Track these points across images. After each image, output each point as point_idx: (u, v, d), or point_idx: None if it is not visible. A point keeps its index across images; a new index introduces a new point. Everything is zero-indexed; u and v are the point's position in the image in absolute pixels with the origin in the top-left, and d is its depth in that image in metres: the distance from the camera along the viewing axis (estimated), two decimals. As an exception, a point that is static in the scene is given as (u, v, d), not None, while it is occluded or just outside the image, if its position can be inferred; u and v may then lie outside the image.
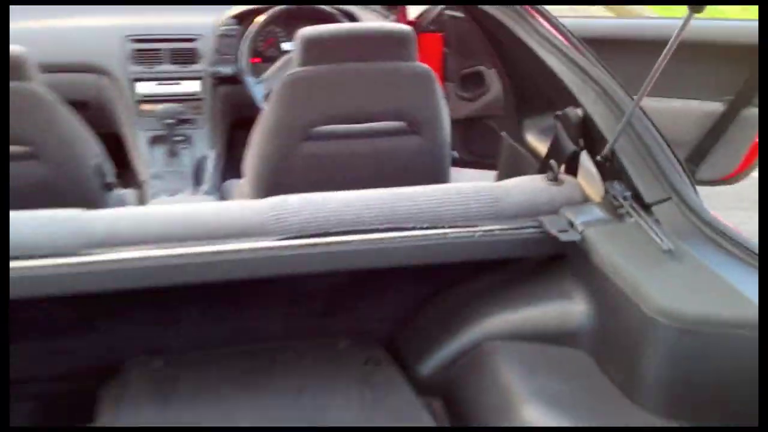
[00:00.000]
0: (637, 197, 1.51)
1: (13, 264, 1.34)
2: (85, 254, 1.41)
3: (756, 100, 2.43)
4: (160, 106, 2.76)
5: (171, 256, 1.42)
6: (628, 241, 1.43)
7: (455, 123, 2.40)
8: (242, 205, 1.57)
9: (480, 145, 2.72)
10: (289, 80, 1.88)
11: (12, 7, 2.58)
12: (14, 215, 1.43)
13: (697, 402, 1.28)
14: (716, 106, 2.52)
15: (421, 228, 1.51)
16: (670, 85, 2.12)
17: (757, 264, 1.32)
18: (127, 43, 2.76)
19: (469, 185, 1.64)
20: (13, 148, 1.78)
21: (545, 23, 1.86)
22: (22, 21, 2.58)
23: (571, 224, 1.50)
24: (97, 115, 2.39)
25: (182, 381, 1.60)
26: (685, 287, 1.29)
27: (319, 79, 1.89)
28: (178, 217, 1.50)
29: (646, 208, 1.50)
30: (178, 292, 1.48)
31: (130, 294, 1.44)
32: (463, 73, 2.69)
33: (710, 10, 1.36)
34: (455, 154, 2.57)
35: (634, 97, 1.51)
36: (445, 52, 2.73)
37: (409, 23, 2.74)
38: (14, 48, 1.76)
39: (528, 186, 1.64)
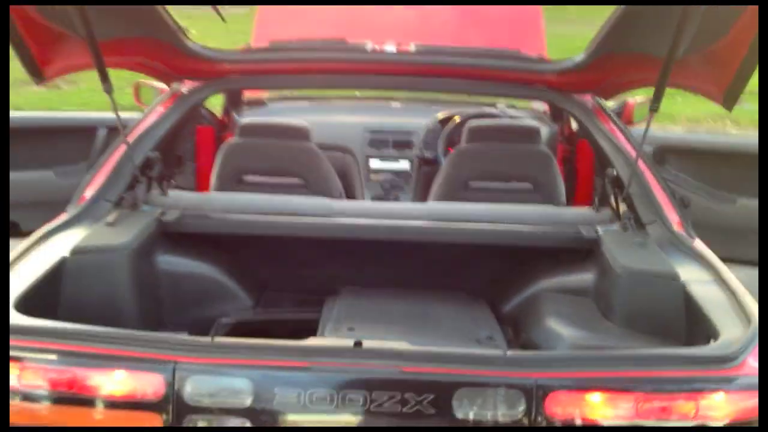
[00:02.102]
0: (637, 220, 2.58)
1: (281, 218, 2.58)
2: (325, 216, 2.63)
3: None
4: (382, 176, 3.94)
5: (367, 225, 2.59)
6: (622, 241, 2.45)
7: None
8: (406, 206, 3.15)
9: None
10: (457, 151, 3.16)
11: (289, 106, 4.35)
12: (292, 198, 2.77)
13: (641, 318, 2.21)
14: None
15: (510, 223, 2.62)
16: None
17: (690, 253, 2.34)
18: (366, 134, 3.99)
19: (546, 207, 2.85)
20: (295, 180, 3.08)
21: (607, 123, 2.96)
22: (300, 116, 3.76)
23: (596, 231, 2.54)
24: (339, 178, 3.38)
25: (367, 303, 2.53)
26: (640, 259, 2.31)
27: (476, 150, 3.13)
28: (374, 207, 2.95)
29: (642, 225, 2.56)
30: (367, 248, 2.64)
31: (342, 244, 2.63)
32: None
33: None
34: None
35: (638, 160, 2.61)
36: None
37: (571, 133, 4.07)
38: (302, 122, 3.16)
39: (579, 211, 2.86)
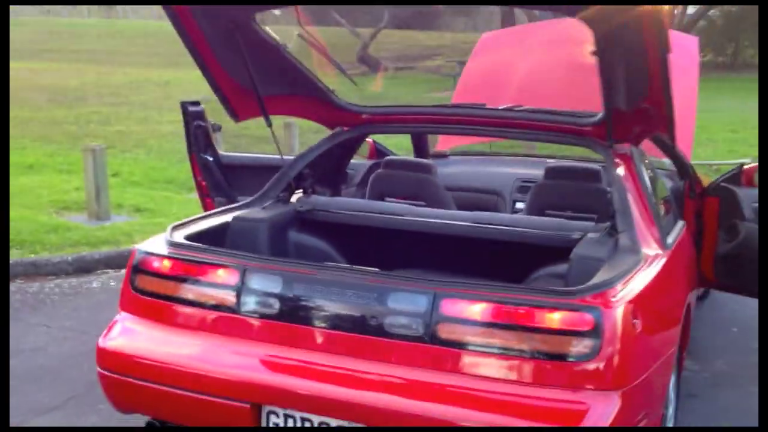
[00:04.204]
0: (614, 228, 3.28)
1: (374, 215, 3.84)
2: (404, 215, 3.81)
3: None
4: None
5: (426, 222, 3.75)
6: (591, 241, 3.27)
7: None
8: (450, 214, 3.88)
9: None
10: (536, 186, 4.11)
11: (465, 159, 5.84)
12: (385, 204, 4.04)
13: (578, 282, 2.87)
14: None
15: (530, 229, 3.58)
16: None
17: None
18: (516, 182, 5.19)
19: (560, 220, 3.65)
20: (421, 202, 4.12)
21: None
22: (472, 167, 5.53)
23: (582, 235, 3.38)
24: None
25: None
26: (588, 250, 3.15)
27: (549, 186, 4.04)
28: (437, 212, 3.88)
29: (615, 232, 3.26)
30: (426, 239, 3.75)
31: (409, 234, 3.76)
32: None
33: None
34: None
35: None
36: None
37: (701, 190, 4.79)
38: (429, 162, 4.50)
39: (584, 223, 3.55)
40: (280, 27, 3.87)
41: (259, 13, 3.54)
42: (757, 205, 4.43)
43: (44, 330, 5.02)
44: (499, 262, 3.65)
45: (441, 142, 6.07)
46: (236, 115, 3.97)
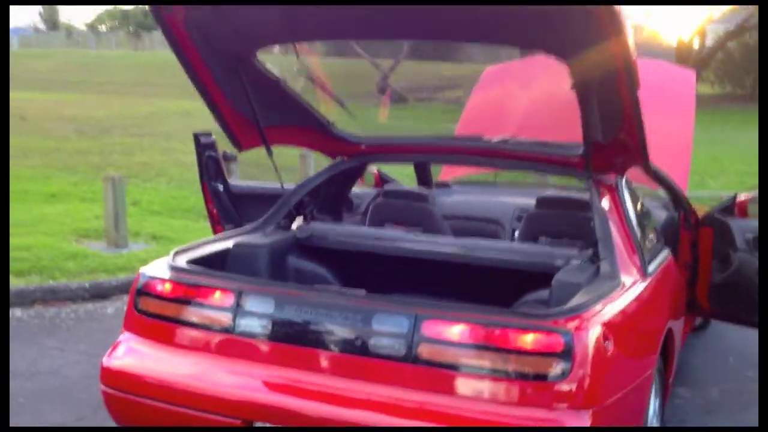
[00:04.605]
0: (596, 255, 3.46)
1: (367, 241, 4.02)
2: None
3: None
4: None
5: (413, 249, 3.94)
6: (572, 267, 3.45)
7: None
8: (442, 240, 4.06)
9: None
10: (528, 215, 4.31)
11: (466, 189, 5.98)
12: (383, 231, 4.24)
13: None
14: None
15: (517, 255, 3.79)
16: None
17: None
18: (516, 211, 5.19)
19: (545, 247, 3.91)
20: (418, 228, 4.28)
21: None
22: (474, 195, 5.78)
23: (565, 262, 3.58)
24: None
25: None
26: (568, 276, 3.31)
27: (540, 214, 4.22)
28: (427, 238, 4.08)
29: (597, 259, 3.42)
30: (414, 263, 3.93)
31: (400, 260, 3.94)
32: None
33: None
34: None
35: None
36: None
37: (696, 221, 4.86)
38: (425, 191, 4.62)
39: (568, 250, 3.73)
40: (284, 57, 4.08)
41: (261, 50, 3.75)
42: (750, 236, 4.54)
43: (59, 353, 5.21)
44: (489, 287, 3.79)
45: (444, 173, 6.24)
46: (239, 145, 4.18)
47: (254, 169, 10.71)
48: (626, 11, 2.74)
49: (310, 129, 4.28)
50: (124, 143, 15.12)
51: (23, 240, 7.42)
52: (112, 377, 3.25)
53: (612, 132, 3.50)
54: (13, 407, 4.16)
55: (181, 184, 11.36)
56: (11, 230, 7.72)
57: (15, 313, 5.96)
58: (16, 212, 8.68)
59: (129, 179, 11.00)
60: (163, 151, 14.18)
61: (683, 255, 4.88)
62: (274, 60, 3.93)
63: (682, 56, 27.30)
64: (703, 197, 8.06)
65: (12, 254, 6.92)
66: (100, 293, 6.50)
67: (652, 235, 4.15)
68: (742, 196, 4.91)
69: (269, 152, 4.11)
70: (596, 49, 2.95)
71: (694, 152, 5.93)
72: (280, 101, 4.02)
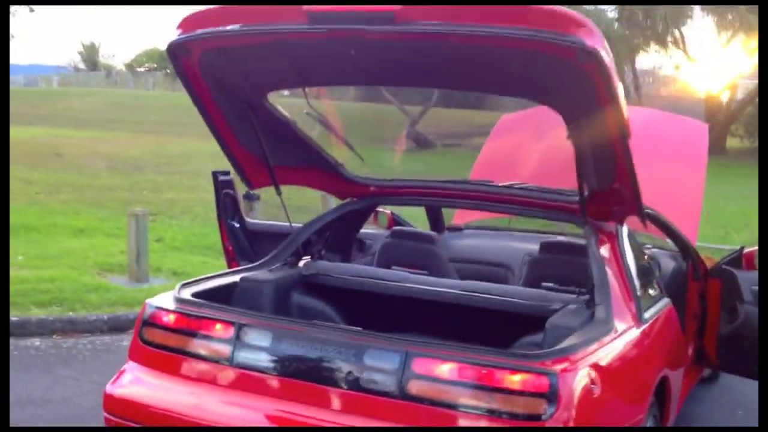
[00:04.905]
0: (592, 300, 3.50)
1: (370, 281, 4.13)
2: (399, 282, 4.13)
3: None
4: None
5: (416, 289, 4.03)
6: (568, 311, 3.54)
7: None
8: (444, 282, 4.12)
9: None
10: (532, 259, 4.47)
11: (479, 233, 6.06)
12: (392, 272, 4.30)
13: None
14: None
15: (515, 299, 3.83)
16: None
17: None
18: (525, 257, 5.08)
19: (543, 291, 3.94)
20: (425, 272, 4.33)
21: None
22: (485, 240, 5.82)
23: (562, 306, 3.62)
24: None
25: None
26: (562, 320, 3.39)
27: (543, 259, 4.30)
28: (430, 280, 4.15)
29: (593, 304, 3.47)
30: (416, 304, 4.01)
31: (402, 300, 4.03)
32: None
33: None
34: None
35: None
36: None
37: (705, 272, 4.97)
38: (431, 233, 4.89)
39: (565, 295, 3.78)
40: (297, 99, 4.20)
41: (271, 93, 3.90)
42: (756, 288, 4.56)
43: (73, 383, 5.33)
44: (489, 329, 3.86)
45: (457, 217, 6.34)
46: (250, 183, 4.30)
47: (276, 209, 10.88)
48: (610, 62, 2.82)
49: (320, 169, 4.41)
50: (155, 181, 15.42)
51: (48, 272, 7.60)
52: (115, 405, 3.35)
53: (606, 181, 3.58)
54: (23, 433, 4.28)
55: (204, 221, 11.55)
56: (38, 263, 8.00)
57: (34, 342, 6.12)
58: (44, 245, 8.93)
59: (157, 216, 11.23)
60: (189, 189, 14.43)
61: (691, 305, 4.90)
62: (285, 102, 4.07)
63: (711, 110, 27.26)
64: (724, 250, 8.05)
65: (36, 286, 7.14)
66: (117, 326, 6.64)
67: (651, 283, 4.19)
68: (748, 249, 4.94)
69: (278, 191, 4.24)
70: (585, 98, 3.05)
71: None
72: (290, 142, 4.15)
